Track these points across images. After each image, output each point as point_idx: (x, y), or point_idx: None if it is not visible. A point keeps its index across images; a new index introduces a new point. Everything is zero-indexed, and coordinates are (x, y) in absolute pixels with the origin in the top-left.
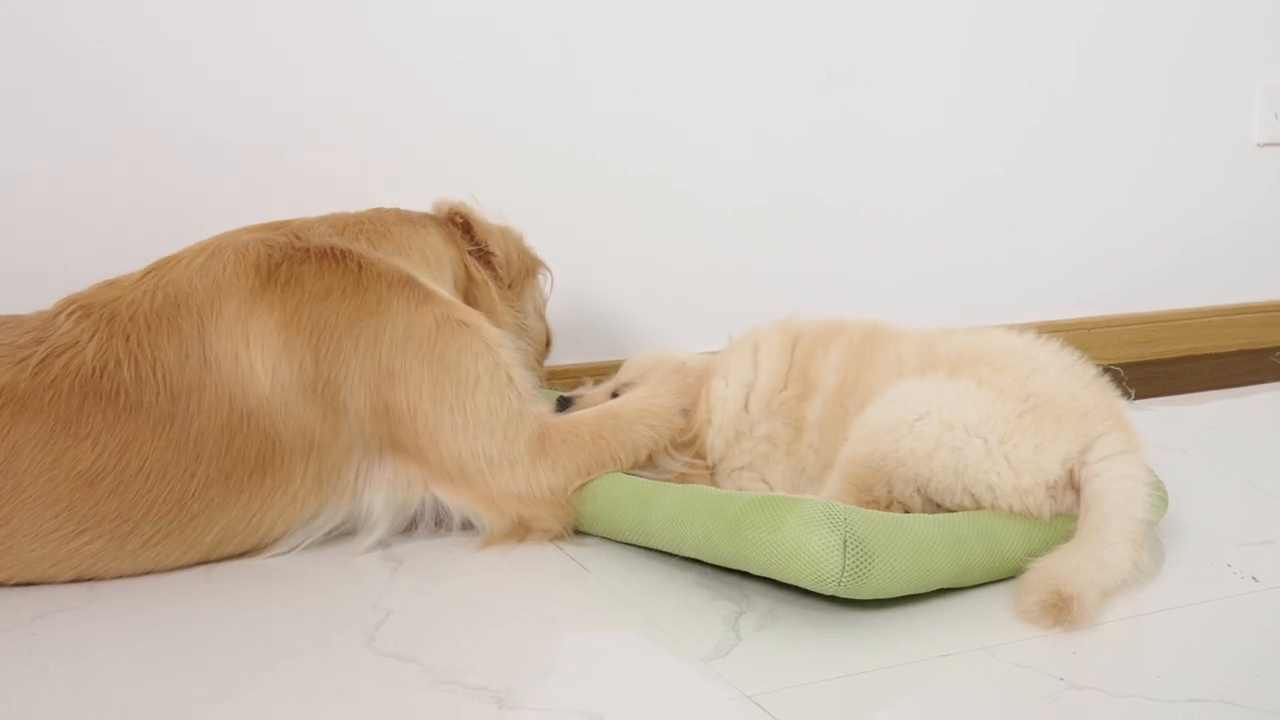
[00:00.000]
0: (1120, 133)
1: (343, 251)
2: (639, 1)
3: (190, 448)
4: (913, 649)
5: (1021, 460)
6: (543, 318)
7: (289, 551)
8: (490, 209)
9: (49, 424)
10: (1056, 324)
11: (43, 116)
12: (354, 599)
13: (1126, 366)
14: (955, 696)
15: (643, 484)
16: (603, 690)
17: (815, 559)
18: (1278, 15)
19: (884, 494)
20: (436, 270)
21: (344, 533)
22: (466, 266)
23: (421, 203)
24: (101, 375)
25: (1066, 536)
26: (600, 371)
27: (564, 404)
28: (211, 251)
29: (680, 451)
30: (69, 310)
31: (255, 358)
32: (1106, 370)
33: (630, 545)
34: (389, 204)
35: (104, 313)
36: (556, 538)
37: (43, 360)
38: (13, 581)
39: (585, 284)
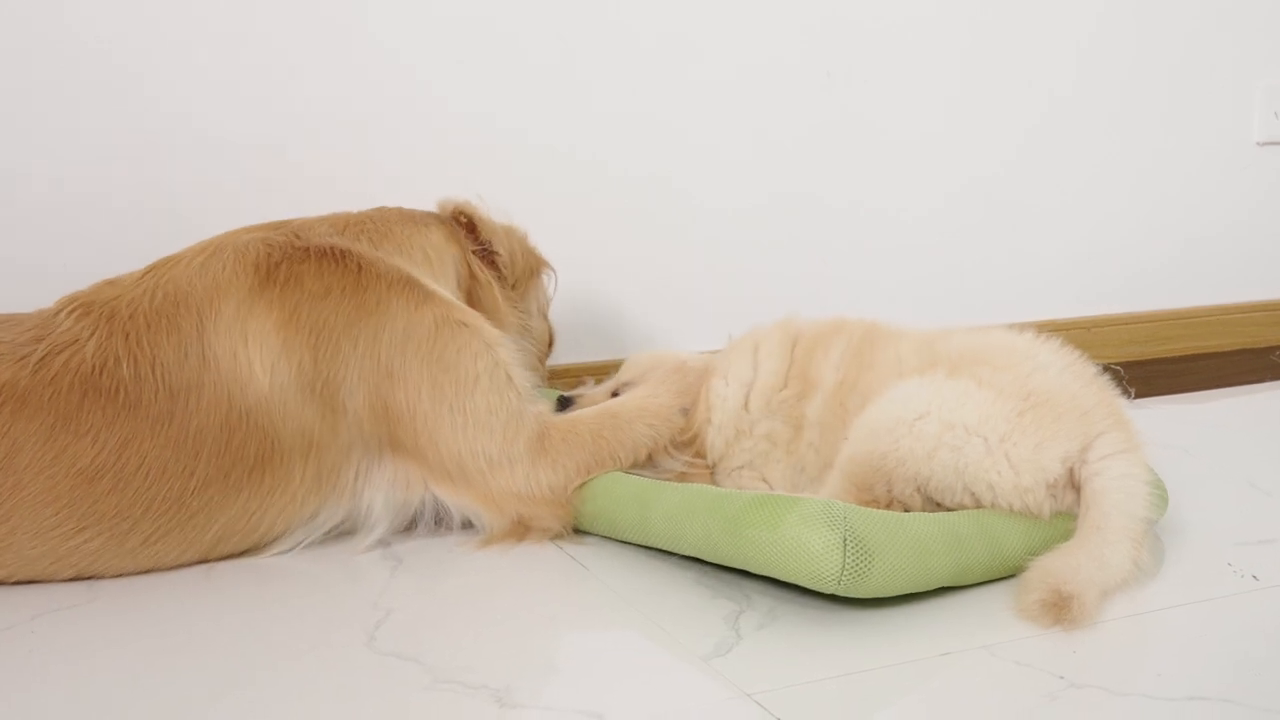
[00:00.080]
0: (1120, 132)
1: (342, 251)
2: (639, 1)
3: (189, 446)
4: (913, 647)
5: (1022, 459)
6: (546, 317)
7: (289, 550)
8: (495, 208)
9: (49, 421)
10: (1057, 323)
11: (43, 116)
12: (354, 598)
13: (1127, 365)
14: (956, 695)
15: (643, 483)
16: (603, 689)
17: (815, 557)
18: (1278, 15)
19: (884, 493)
20: (439, 269)
21: (344, 532)
22: (469, 265)
23: (422, 203)
24: (101, 373)
25: (1066, 535)
26: (600, 371)
27: (564, 403)
28: (211, 251)
29: (680, 451)
30: (69, 308)
31: (254, 356)
32: (1106, 369)
33: (630, 544)
34: (390, 204)
35: (104, 311)
36: (556, 537)
37: (43, 358)
38: (13, 579)
39: (585, 283)
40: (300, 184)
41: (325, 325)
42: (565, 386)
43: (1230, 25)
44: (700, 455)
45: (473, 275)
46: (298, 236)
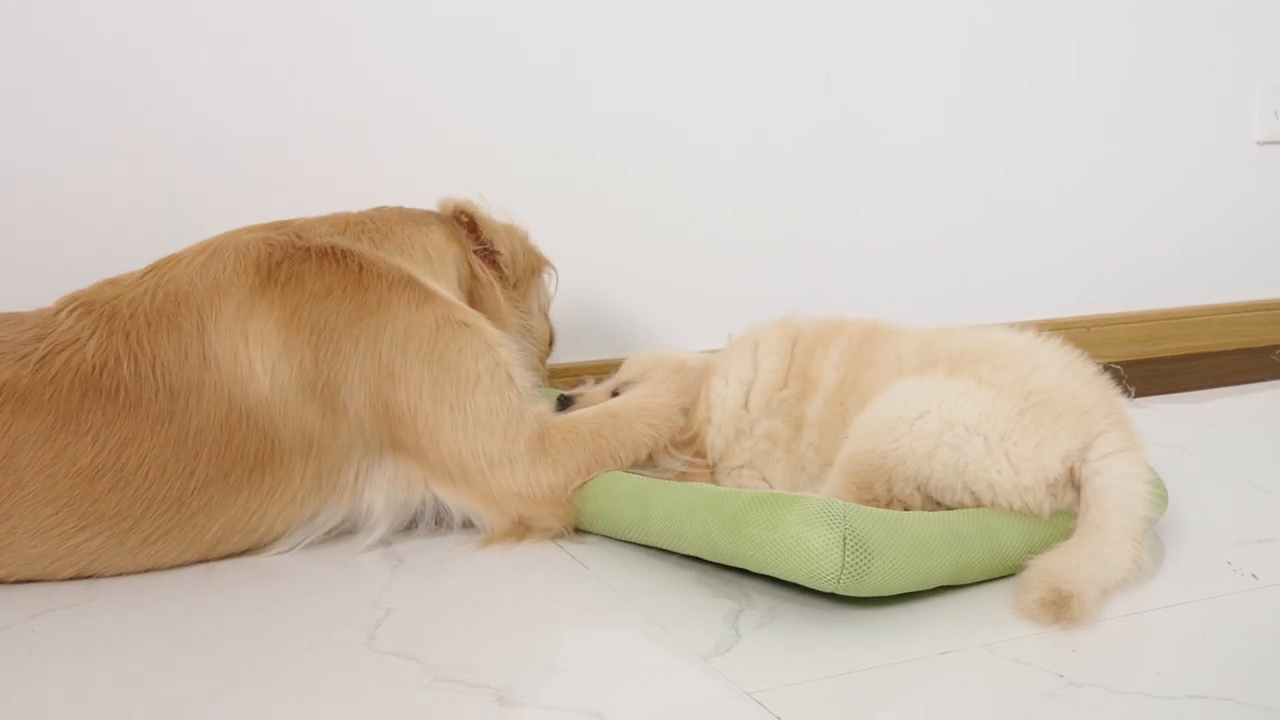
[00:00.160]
0: (1120, 132)
1: (344, 251)
2: (639, 1)
3: (189, 445)
4: (913, 646)
5: (1022, 458)
6: (547, 316)
7: (288, 550)
8: (496, 206)
9: (49, 420)
10: (1057, 322)
11: (43, 116)
12: (354, 597)
13: (1127, 365)
14: (955, 694)
15: (643, 482)
16: (603, 688)
17: (815, 556)
18: (1278, 14)
19: (884, 492)
20: (439, 269)
21: (344, 532)
22: (471, 265)
23: (423, 203)
24: (102, 372)
25: (1066, 534)
26: (601, 370)
27: (564, 402)
28: (212, 251)
29: (680, 450)
30: (70, 307)
31: (255, 356)
32: (1106, 368)
33: (630, 543)
34: (390, 204)
35: (105, 310)
36: (557, 536)
37: (44, 357)
38: (13, 578)
39: (586, 283)
40: (300, 184)
41: (326, 325)
42: (565, 386)
43: (1230, 25)
44: (700, 455)
45: (474, 275)
46: (299, 236)
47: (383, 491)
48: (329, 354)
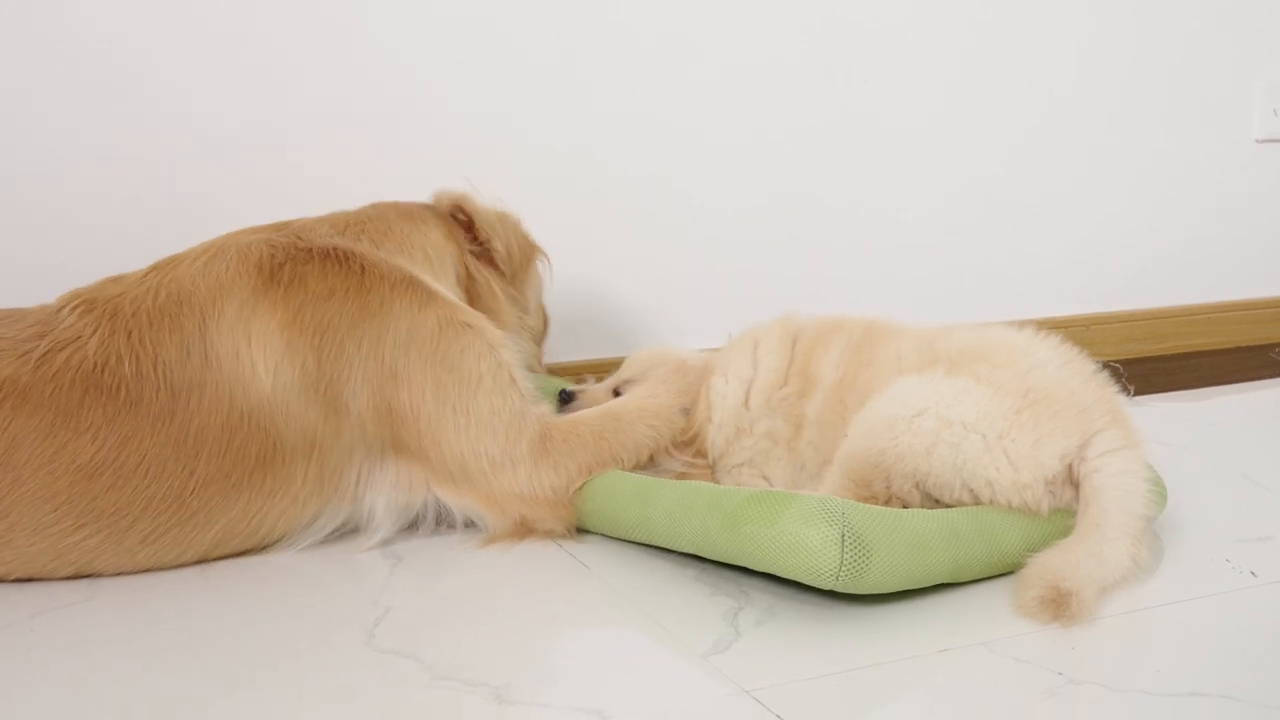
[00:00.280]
0: (1120, 131)
1: (346, 253)
2: (639, 1)
3: (190, 445)
4: (912, 644)
5: (1020, 455)
6: (540, 301)
7: (288, 552)
8: (489, 194)
9: (49, 417)
10: (1056, 320)
11: (43, 116)
12: (353, 596)
13: (1126, 362)
14: (955, 691)
15: (643, 480)
16: (603, 686)
17: (813, 553)
18: (1277, 13)
19: (882, 489)
20: (438, 267)
21: (344, 534)
22: (467, 266)
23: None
24: (103, 370)
25: (1065, 532)
26: (601, 368)
27: (566, 397)
28: (214, 251)
29: (681, 451)
30: (72, 305)
31: (256, 357)
32: (1106, 366)
33: (630, 542)
34: (386, 201)
35: (107, 308)
36: (559, 537)
37: (45, 354)
38: (12, 577)
39: (586, 283)
40: (300, 184)
41: (329, 326)
42: (566, 384)
43: (1230, 23)
44: (701, 455)
45: (470, 275)
46: (300, 238)
47: (384, 494)
48: (332, 355)
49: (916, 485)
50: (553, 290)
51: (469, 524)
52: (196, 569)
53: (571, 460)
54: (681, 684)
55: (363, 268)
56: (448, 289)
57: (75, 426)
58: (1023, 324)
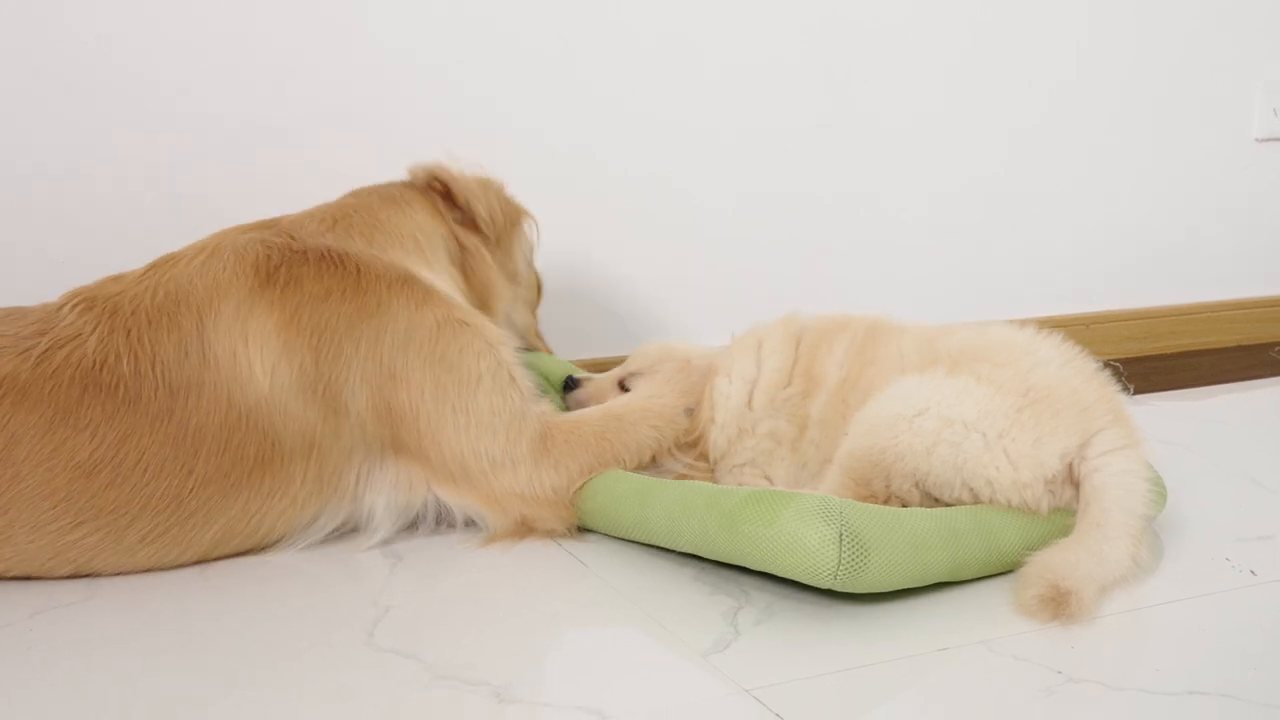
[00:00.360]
0: (1120, 130)
1: (341, 254)
2: (639, 1)
3: (188, 443)
4: (911, 643)
5: (1020, 455)
6: (532, 265)
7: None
8: (468, 161)
9: (49, 414)
10: (1057, 319)
11: (43, 116)
12: (353, 595)
13: (1126, 361)
14: (954, 690)
15: (643, 480)
16: (602, 685)
17: (811, 553)
18: (1277, 12)
19: (882, 488)
20: (430, 251)
21: (344, 534)
22: (457, 238)
23: None
24: (102, 368)
25: (1064, 531)
26: (601, 368)
27: (572, 384)
28: (210, 251)
29: (684, 452)
30: (73, 303)
31: (254, 357)
32: (1106, 365)
33: (629, 542)
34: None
35: (106, 306)
36: (559, 537)
37: (45, 351)
38: (11, 574)
39: (586, 282)
40: (300, 184)
41: (327, 327)
42: None
43: (1230, 22)
44: (703, 457)
45: (462, 246)
46: (293, 238)
47: (384, 495)
48: (330, 356)
49: (916, 484)
50: (552, 290)
51: (469, 523)
52: (196, 569)
53: (573, 460)
54: (681, 683)
55: (359, 268)
56: (442, 272)
57: (74, 423)
58: (1023, 323)
